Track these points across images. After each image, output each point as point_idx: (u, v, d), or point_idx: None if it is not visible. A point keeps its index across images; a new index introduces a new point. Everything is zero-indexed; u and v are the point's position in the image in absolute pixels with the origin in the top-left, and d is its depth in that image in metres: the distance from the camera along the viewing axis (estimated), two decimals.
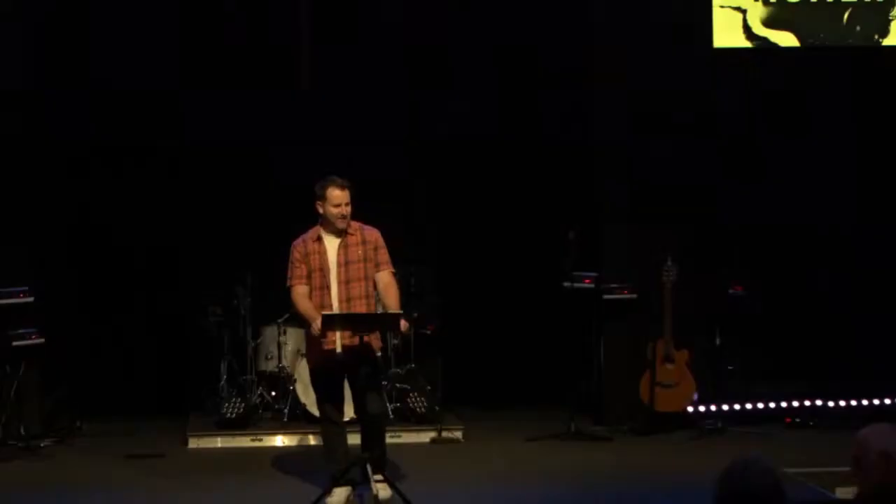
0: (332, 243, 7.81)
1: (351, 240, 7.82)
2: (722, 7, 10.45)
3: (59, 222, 10.50)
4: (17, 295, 9.58)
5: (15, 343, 9.47)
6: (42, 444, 9.49)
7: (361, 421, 7.88)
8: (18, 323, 9.57)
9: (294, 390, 9.95)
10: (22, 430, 9.45)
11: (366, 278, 7.80)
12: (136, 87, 10.73)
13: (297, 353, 10.07)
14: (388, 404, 9.78)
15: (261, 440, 9.79)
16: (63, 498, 8.23)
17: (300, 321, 10.13)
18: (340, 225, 7.75)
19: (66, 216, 10.61)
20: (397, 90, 11.05)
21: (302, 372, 9.86)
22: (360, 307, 7.75)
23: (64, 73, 10.47)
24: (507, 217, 11.05)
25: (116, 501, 8.18)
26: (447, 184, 11.18)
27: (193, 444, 9.73)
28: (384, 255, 7.90)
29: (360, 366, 7.64)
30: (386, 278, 7.89)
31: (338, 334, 7.71)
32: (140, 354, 10.96)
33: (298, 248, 7.84)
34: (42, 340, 9.61)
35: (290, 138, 11.00)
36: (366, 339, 7.65)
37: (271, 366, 10.27)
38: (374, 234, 7.90)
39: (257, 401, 10.25)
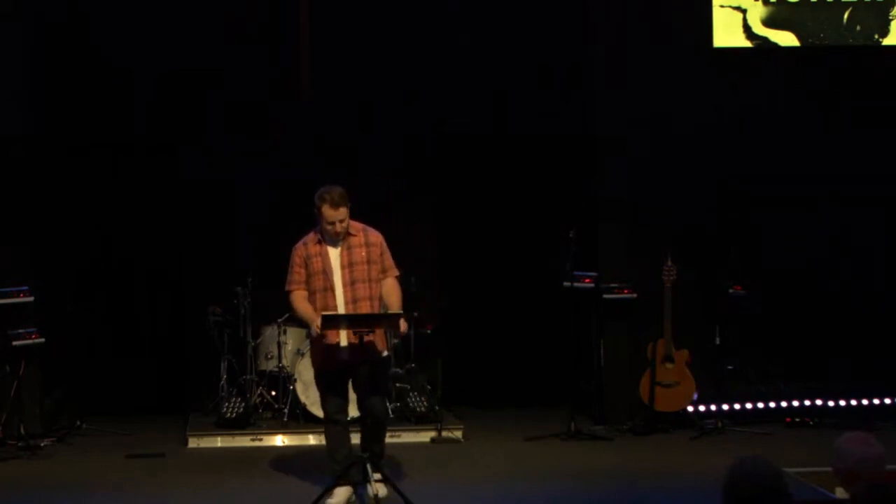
0: (334, 245, 7.81)
1: (354, 241, 7.81)
2: (722, 7, 10.45)
3: (59, 222, 10.50)
4: (17, 295, 9.58)
5: (15, 343, 9.47)
6: (42, 444, 9.49)
7: (363, 421, 7.89)
8: (18, 323, 9.57)
9: (294, 390, 9.95)
10: (22, 430, 9.44)
11: (370, 280, 7.78)
12: (138, 86, 10.75)
13: (297, 352, 10.08)
14: (388, 404, 9.77)
15: (261, 440, 9.79)
16: (63, 498, 8.22)
17: (301, 322, 10.20)
18: (335, 238, 7.75)
19: (66, 216, 10.61)
20: (397, 89, 11.05)
21: (302, 371, 9.87)
22: (366, 308, 7.73)
23: (64, 73, 10.48)
24: (507, 217, 11.06)
25: (116, 501, 8.17)
26: (447, 184, 11.18)
27: (193, 444, 9.73)
28: (389, 259, 7.91)
29: (362, 365, 7.64)
30: (391, 282, 7.90)
31: (342, 331, 7.68)
32: (140, 354, 10.97)
33: (299, 251, 7.83)
34: (42, 340, 9.61)
35: (290, 138, 11.01)
36: (368, 338, 7.63)
37: (271, 366, 10.27)
38: (378, 238, 7.90)
39: (257, 401, 10.26)
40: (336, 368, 7.79)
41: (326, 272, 7.74)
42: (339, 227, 7.68)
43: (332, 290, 7.74)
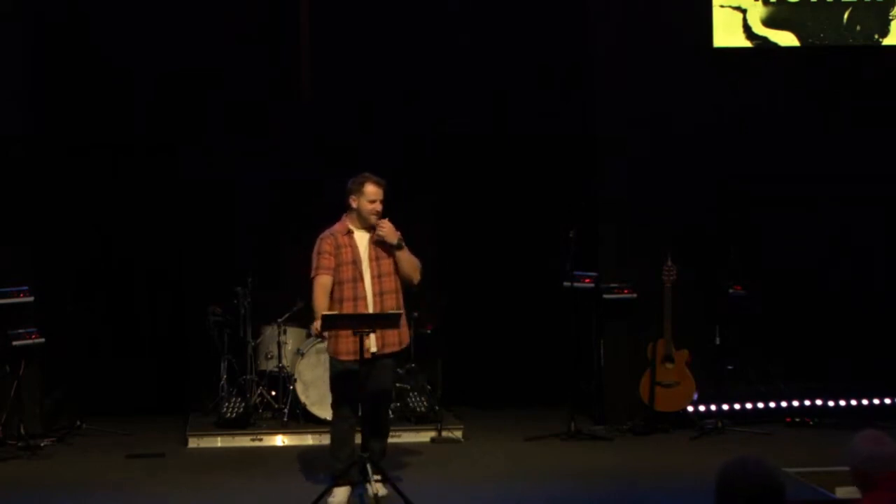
0: (362, 238, 7.90)
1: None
2: (722, 7, 10.46)
3: (59, 222, 10.50)
4: (17, 295, 9.58)
5: (15, 343, 9.47)
6: (42, 444, 9.49)
7: (365, 420, 7.88)
8: (18, 323, 9.57)
9: (294, 390, 9.95)
10: (22, 430, 9.44)
11: (396, 273, 7.90)
12: (138, 86, 10.75)
13: (297, 352, 10.08)
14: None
15: (261, 440, 9.79)
16: (63, 498, 8.21)
17: (301, 320, 10.21)
18: (373, 220, 7.84)
19: (66, 216, 10.61)
20: (397, 89, 11.05)
21: (302, 371, 9.87)
22: (391, 301, 7.85)
23: (64, 73, 10.48)
24: (507, 217, 11.06)
25: (116, 501, 8.17)
26: (447, 184, 11.19)
27: (193, 444, 9.73)
28: None
29: (365, 364, 7.63)
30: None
31: (372, 338, 7.69)
32: (140, 354, 10.97)
33: (328, 240, 7.88)
34: (42, 340, 9.61)
35: (290, 138, 11.01)
36: (392, 340, 7.77)
37: (271, 366, 10.28)
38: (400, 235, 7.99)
39: (257, 401, 10.26)
40: (360, 360, 7.66)
41: (356, 262, 7.83)
42: (378, 206, 7.84)
43: (361, 280, 7.82)
